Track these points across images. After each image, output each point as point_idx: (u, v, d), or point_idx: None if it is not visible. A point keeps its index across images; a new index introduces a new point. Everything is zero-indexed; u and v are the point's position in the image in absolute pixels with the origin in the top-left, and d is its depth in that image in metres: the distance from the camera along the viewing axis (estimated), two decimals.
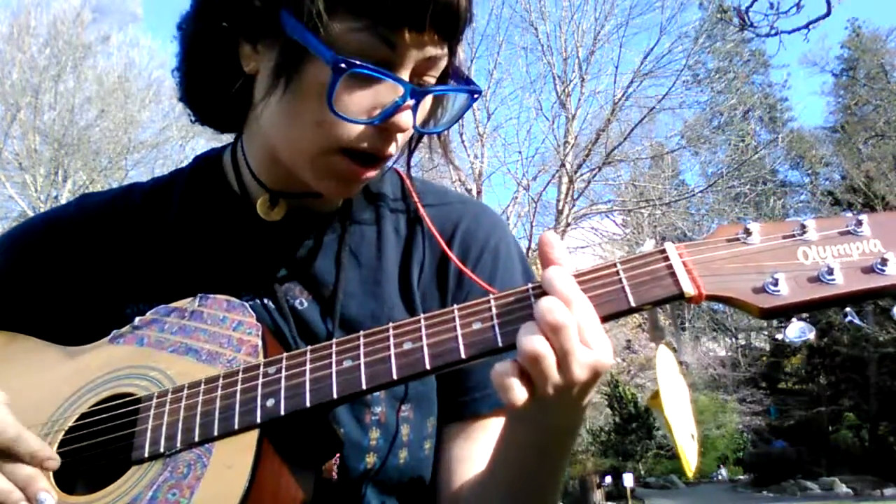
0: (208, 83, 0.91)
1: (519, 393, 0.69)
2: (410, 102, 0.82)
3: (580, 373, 0.70)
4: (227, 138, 1.04)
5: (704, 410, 27.58)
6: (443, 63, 0.85)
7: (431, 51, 0.82)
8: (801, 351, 31.71)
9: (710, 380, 30.83)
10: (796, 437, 30.45)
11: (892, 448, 26.53)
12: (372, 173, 0.87)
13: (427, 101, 0.87)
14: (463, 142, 15.40)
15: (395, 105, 0.81)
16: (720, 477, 32.03)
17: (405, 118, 0.82)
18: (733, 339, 36.32)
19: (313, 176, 0.87)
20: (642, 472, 28.46)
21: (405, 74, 0.82)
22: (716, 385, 31.13)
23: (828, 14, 5.48)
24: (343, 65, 0.76)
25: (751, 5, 5.88)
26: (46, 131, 18.08)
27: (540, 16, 16.11)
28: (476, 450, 0.94)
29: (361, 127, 0.81)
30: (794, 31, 5.79)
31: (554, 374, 0.69)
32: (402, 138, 0.86)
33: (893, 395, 27.49)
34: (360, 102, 0.81)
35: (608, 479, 25.34)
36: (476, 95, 0.90)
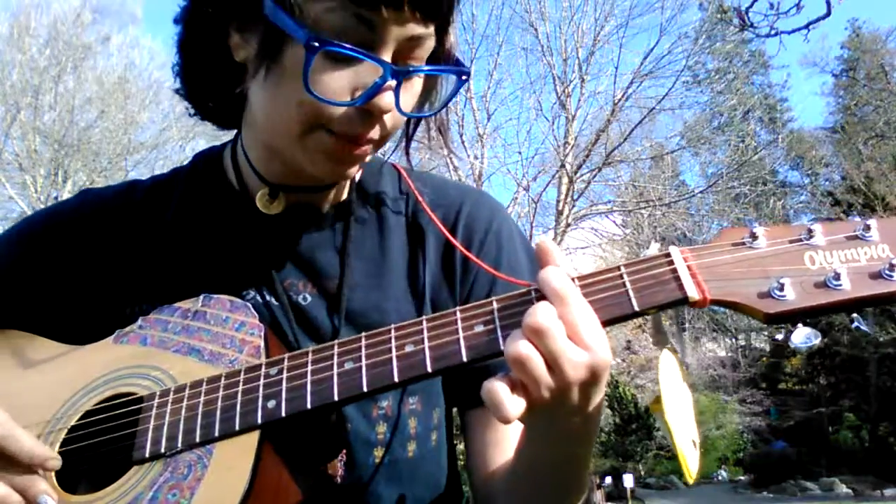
0: (204, 76, 0.92)
1: (511, 407, 0.68)
2: (392, 83, 0.80)
3: (574, 374, 0.68)
4: (228, 137, 1.04)
5: (704, 411, 27.56)
6: (429, 44, 0.83)
7: (413, 30, 0.80)
8: (801, 352, 31.63)
9: (710, 380, 30.81)
10: (796, 438, 30.41)
11: (892, 448, 26.51)
12: (361, 150, 0.86)
13: (416, 85, 0.86)
14: (463, 142, 15.40)
15: (375, 86, 0.79)
16: (720, 477, 31.99)
17: (387, 99, 0.80)
18: (733, 340, 36.33)
19: (304, 157, 0.86)
20: (642, 473, 28.45)
21: (386, 55, 0.80)
22: (716, 386, 31.11)
23: (828, 14, 5.46)
24: (315, 43, 0.75)
25: (751, 6, 5.87)
26: (46, 132, 18.08)
27: (540, 16, 16.11)
28: (503, 433, 0.94)
29: (343, 108, 0.80)
30: (794, 31, 5.77)
31: (545, 378, 0.68)
32: (389, 121, 0.84)
33: (893, 395, 27.48)
34: (340, 83, 0.79)
35: (608, 480, 25.35)
36: (465, 77, 0.87)
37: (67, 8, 19.27)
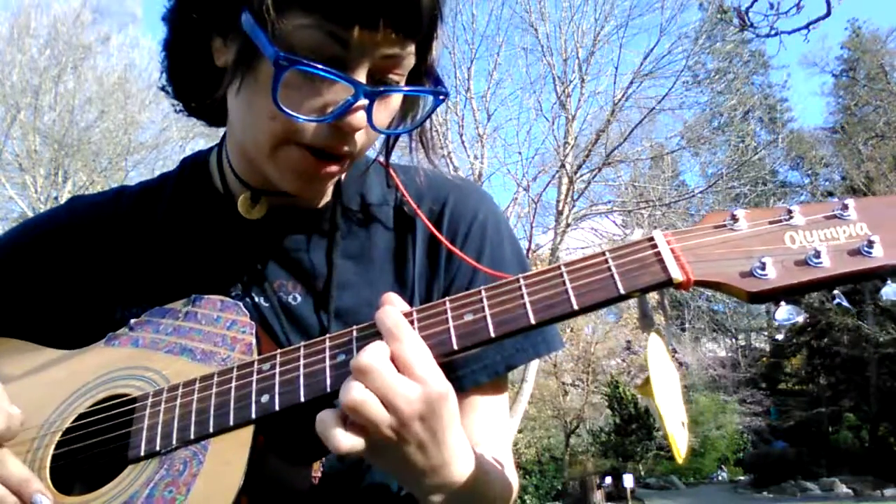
0: (187, 77, 0.93)
1: (345, 440, 0.69)
2: (363, 102, 0.79)
3: (409, 408, 0.69)
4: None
5: (705, 411, 27.53)
6: (408, 61, 0.83)
7: (390, 49, 0.79)
8: (802, 352, 31.66)
9: (710, 380, 30.76)
10: (796, 438, 30.37)
11: (892, 448, 26.49)
12: (332, 169, 0.86)
13: (394, 101, 0.86)
14: (463, 142, 15.40)
15: (346, 104, 0.79)
16: (720, 477, 31.96)
17: (358, 118, 0.80)
18: (733, 340, 36.29)
19: (275, 171, 0.86)
20: (642, 473, 28.43)
21: (361, 73, 0.79)
22: (716, 386, 31.06)
23: (828, 14, 5.46)
24: (284, 62, 0.75)
25: (751, 6, 5.86)
26: (46, 132, 18.08)
27: (540, 17, 16.09)
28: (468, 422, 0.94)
29: (314, 124, 0.80)
30: (793, 31, 5.77)
31: (384, 417, 0.69)
32: (362, 137, 0.84)
33: (893, 395, 27.45)
34: (312, 99, 0.79)
35: (608, 480, 25.33)
36: (442, 97, 0.86)
37: (67, 8, 19.31)
